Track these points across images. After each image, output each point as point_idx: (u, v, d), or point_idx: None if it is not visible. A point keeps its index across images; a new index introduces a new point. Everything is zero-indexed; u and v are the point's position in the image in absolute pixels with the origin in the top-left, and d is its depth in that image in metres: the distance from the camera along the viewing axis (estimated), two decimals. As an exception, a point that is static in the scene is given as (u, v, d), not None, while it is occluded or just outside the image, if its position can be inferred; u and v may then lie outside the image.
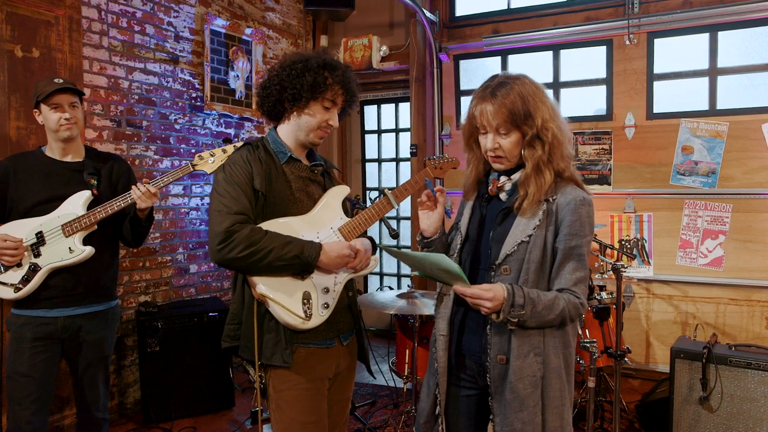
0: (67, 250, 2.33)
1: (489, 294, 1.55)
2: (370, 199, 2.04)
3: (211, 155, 2.44)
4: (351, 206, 2.07)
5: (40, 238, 2.33)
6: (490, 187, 1.77)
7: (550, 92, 1.73)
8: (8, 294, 2.33)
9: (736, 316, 3.94)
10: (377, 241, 2.06)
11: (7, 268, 2.33)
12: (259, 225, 1.82)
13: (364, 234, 2.04)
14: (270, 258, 1.75)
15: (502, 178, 1.75)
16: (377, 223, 2.07)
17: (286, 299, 1.81)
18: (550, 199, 1.65)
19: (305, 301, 1.84)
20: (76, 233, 2.34)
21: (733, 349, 2.99)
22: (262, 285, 1.80)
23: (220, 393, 3.82)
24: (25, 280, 2.32)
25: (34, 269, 2.33)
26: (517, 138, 1.65)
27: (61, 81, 2.38)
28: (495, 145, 1.67)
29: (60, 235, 2.33)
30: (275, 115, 1.97)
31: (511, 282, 1.62)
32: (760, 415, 2.83)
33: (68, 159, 2.46)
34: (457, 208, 1.93)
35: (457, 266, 1.53)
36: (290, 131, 1.96)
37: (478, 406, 1.77)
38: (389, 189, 2.02)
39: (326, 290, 1.89)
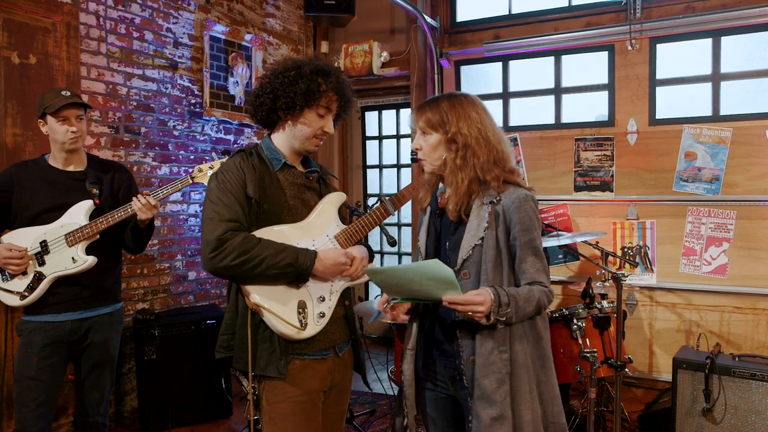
0: (70, 259, 2.38)
1: (480, 298, 1.59)
2: (368, 206, 2.02)
3: (211, 168, 2.47)
4: (349, 213, 2.04)
5: (44, 247, 2.38)
6: (439, 201, 1.85)
7: (493, 113, 1.81)
8: (14, 301, 2.39)
9: (741, 325, 3.89)
10: (376, 249, 2.03)
11: (12, 277, 2.39)
12: (253, 233, 1.79)
13: (364, 241, 2.01)
14: (263, 266, 1.72)
15: (448, 191, 1.80)
16: (377, 230, 2.05)
17: (281, 308, 1.78)
18: (495, 200, 1.72)
19: (300, 310, 1.81)
20: (79, 243, 2.39)
21: (737, 359, 2.94)
22: (256, 294, 1.77)
23: (218, 401, 3.79)
24: (31, 288, 2.38)
25: (38, 278, 2.38)
26: (436, 140, 1.75)
27: (69, 94, 2.41)
28: (417, 145, 1.80)
29: (63, 245, 2.38)
30: (269, 123, 1.94)
31: (473, 284, 1.70)
32: (765, 428, 2.78)
33: (71, 168, 2.50)
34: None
35: (451, 271, 1.56)
36: (285, 139, 1.93)
37: (454, 408, 1.83)
38: (387, 196, 1.99)
39: (322, 299, 1.86)
